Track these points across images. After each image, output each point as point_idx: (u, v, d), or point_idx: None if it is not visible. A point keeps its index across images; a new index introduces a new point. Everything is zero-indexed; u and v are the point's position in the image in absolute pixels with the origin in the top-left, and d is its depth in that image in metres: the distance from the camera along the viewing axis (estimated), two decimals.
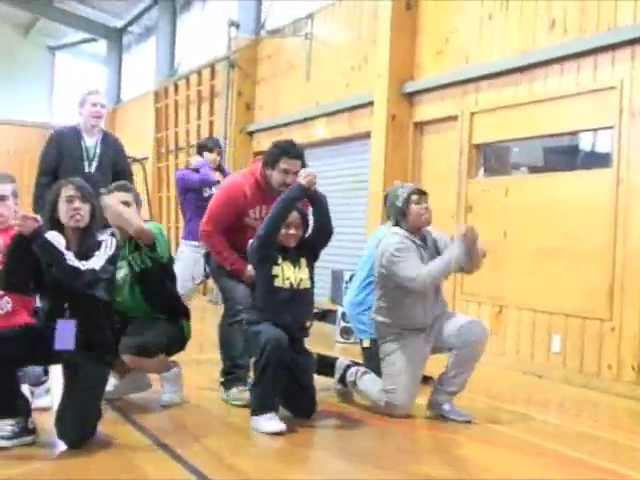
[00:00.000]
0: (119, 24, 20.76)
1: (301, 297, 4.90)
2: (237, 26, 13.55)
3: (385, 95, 9.21)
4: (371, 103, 9.59)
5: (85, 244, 4.21)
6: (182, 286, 6.07)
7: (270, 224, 4.78)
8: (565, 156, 7.93)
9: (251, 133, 13.25)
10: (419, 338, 5.16)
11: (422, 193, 5.24)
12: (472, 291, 8.16)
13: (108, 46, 21.34)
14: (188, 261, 7.02)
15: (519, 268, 7.61)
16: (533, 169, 8.29)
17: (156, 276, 5.01)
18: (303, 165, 5.24)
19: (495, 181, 8.18)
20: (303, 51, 11.57)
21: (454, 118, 8.59)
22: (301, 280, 4.89)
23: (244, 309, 5.11)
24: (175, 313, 5.14)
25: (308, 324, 5.02)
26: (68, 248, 4.14)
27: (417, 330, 5.16)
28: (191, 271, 6.94)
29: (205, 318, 10.41)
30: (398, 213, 5.22)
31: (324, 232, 5.01)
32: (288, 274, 4.86)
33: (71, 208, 4.19)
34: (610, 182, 6.78)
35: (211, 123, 14.47)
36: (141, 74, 19.04)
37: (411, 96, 9.23)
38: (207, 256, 5.70)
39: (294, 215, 4.87)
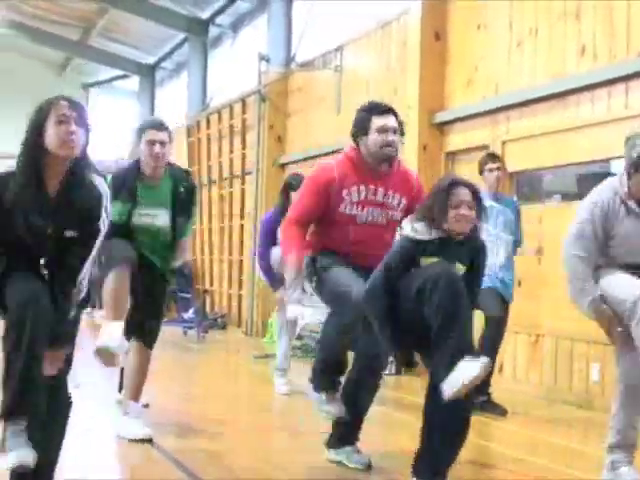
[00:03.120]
0: (151, 60, 21.07)
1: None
2: (267, 60, 13.65)
3: (416, 126, 9.20)
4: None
5: (75, 184, 3.25)
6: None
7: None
8: (599, 183, 7.83)
9: (283, 165, 13.31)
10: None
11: None
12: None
13: (141, 82, 21.64)
14: None
15: (555, 296, 7.51)
16: (566, 196, 8.23)
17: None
18: (399, 121, 4.44)
19: (528, 209, 8.12)
20: (333, 83, 11.64)
21: (486, 147, 8.57)
22: None
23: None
24: None
25: None
26: (39, 186, 3.23)
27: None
28: None
29: (241, 350, 10.43)
30: (629, 165, 4.09)
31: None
32: None
33: (64, 131, 3.21)
34: None
35: (243, 156, 14.57)
36: (173, 109, 19.24)
37: (442, 126, 9.24)
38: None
39: (462, 192, 3.74)
